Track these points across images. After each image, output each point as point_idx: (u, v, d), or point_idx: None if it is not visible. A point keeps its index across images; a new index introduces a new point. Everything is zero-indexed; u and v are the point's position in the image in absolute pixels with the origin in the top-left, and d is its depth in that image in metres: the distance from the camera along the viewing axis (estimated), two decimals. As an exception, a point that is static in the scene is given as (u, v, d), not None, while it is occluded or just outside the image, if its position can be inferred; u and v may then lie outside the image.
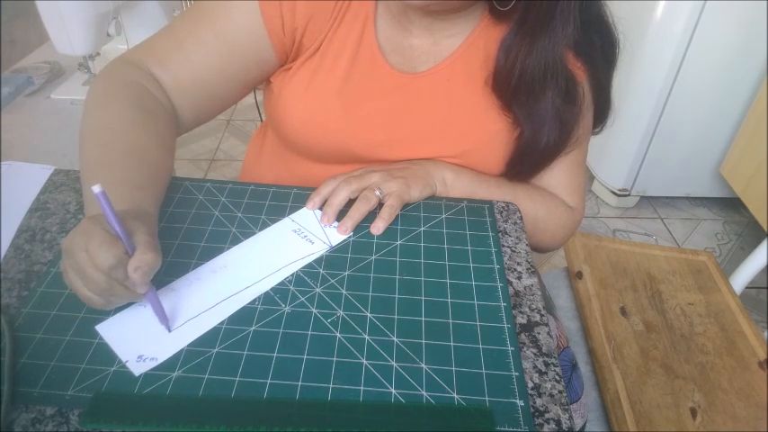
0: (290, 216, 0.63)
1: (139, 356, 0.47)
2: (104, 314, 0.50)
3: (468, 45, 0.67)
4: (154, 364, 0.47)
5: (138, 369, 0.46)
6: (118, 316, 0.50)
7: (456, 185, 0.68)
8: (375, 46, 0.66)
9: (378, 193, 0.62)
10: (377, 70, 0.67)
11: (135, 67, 0.65)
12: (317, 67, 0.66)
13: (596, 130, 0.75)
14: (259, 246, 0.59)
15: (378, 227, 0.61)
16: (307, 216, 0.63)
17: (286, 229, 0.61)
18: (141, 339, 0.49)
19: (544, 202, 0.72)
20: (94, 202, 0.46)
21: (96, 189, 0.44)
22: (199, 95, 0.67)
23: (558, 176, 0.73)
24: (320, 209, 0.63)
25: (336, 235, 0.61)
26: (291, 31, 0.65)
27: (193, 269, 0.56)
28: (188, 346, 0.48)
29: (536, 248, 0.76)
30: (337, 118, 0.67)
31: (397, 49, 0.67)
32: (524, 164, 0.69)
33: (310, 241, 0.60)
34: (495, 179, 0.71)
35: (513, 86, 0.63)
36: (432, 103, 0.67)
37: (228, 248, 0.58)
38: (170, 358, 0.47)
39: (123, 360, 0.47)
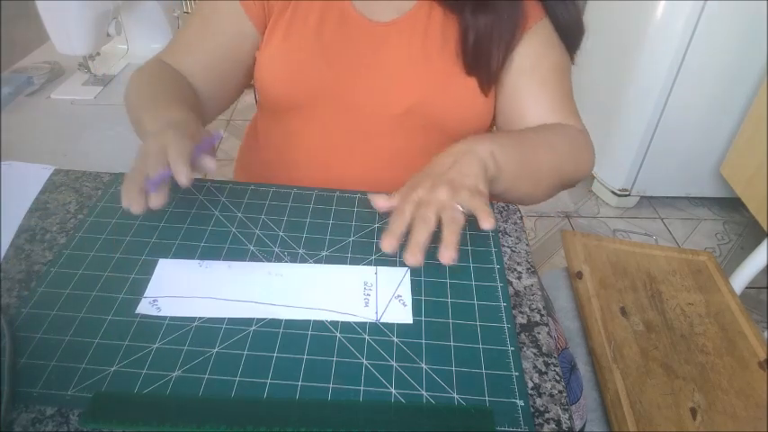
0: (379, 267, 0.57)
1: (154, 300, 0.51)
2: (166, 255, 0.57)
3: None
4: (155, 313, 0.50)
5: (142, 308, 0.51)
6: (181, 260, 0.56)
7: (504, 157, 0.60)
8: None
9: (460, 208, 0.52)
10: (348, 20, 0.72)
11: (162, 61, 0.76)
12: (291, 17, 0.72)
13: (573, 57, 0.76)
14: (323, 275, 0.56)
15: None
16: (392, 276, 0.56)
17: (362, 275, 0.56)
18: (171, 290, 0.52)
19: (566, 135, 0.70)
20: (158, 121, 0.60)
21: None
22: (211, 79, 0.75)
23: (552, 112, 0.72)
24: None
25: (390, 312, 0.53)
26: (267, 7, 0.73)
27: (255, 261, 0.57)
28: (188, 346, 0.48)
29: (573, 182, 0.73)
30: (316, 61, 0.71)
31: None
32: (485, 52, 0.70)
33: (366, 303, 0.54)
34: (520, 137, 0.67)
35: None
36: (400, 49, 0.72)
37: (285, 257, 0.58)
38: (170, 358, 0.47)
39: (145, 295, 0.52)
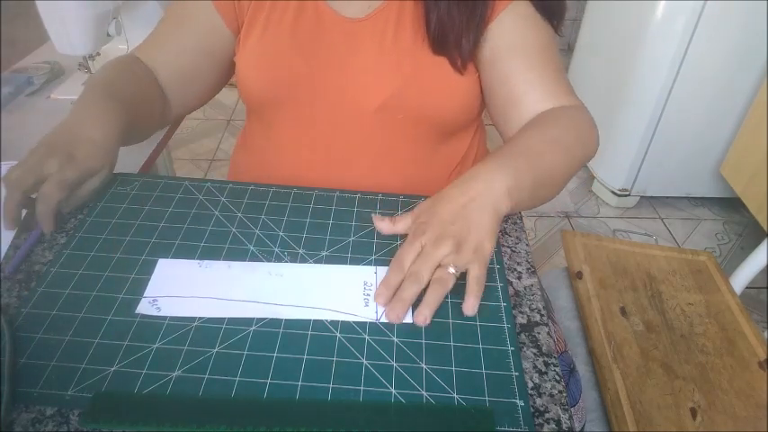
0: (379, 267, 0.57)
1: (154, 300, 0.51)
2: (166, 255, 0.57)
3: None
4: (155, 313, 0.50)
5: (142, 308, 0.51)
6: (181, 260, 0.56)
7: (521, 189, 0.58)
8: None
9: (452, 270, 0.52)
10: (322, 17, 0.73)
11: (134, 56, 0.77)
12: (268, 17, 0.73)
13: (558, 28, 0.75)
14: (323, 275, 0.56)
15: (470, 306, 0.51)
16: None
17: (361, 275, 0.56)
18: (171, 290, 0.53)
19: (569, 123, 0.68)
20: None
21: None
22: (180, 75, 0.77)
23: (548, 96, 0.70)
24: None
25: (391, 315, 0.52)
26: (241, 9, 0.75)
27: (255, 261, 0.57)
28: (188, 346, 0.48)
29: (584, 164, 0.71)
30: (292, 58, 0.72)
31: None
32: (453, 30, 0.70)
33: (366, 303, 0.53)
34: (531, 152, 0.63)
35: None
36: (373, 44, 0.72)
37: (285, 257, 0.58)
38: (170, 358, 0.47)
39: (145, 295, 0.52)
